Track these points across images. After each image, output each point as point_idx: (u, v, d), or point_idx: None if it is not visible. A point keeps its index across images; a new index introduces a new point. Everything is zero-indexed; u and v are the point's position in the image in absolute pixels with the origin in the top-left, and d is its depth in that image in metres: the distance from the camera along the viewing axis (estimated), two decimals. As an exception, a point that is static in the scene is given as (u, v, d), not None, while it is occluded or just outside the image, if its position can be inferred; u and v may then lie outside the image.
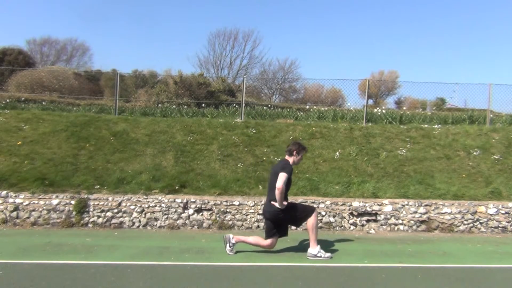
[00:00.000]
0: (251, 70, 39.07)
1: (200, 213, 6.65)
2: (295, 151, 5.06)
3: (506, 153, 8.50)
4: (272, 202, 4.89)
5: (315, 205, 6.72)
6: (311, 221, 5.01)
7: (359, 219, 6.78)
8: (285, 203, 4.89)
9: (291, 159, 5.06)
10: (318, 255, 4.98)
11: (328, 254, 5.03)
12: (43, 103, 13.86)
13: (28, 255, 4.83)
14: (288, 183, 4.92)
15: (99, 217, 6.55)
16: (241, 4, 70.82)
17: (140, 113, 11.17)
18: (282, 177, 4.75)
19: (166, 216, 6.60)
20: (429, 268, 4.77)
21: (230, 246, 5.06)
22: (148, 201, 6.62)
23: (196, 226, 6.63)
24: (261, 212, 6.63)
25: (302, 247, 5.56)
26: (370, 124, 10.13)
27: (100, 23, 69.06)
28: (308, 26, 72.71)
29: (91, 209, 6.55)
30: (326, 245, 5.71)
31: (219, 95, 19.88)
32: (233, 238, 5.11)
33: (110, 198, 6.61)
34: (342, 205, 6.78)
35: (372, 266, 4.80)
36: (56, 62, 39.09)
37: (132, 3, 70.16)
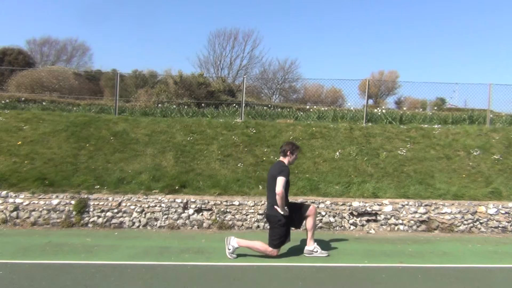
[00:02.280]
0: (251, 70, 39.11)
1: (200, 213, 6.65)
2: (289, 151, 5.03)
3: (506, 153, 8.49)
4: (275, 207, 4.86)
5: (315, 205, 6.72)
6: (310, 221, 5.07)
7: (359, 219, 6.78)
8: (286, 209, 4.88)
9: (286, 160, 5.03)
10: (315, 250, 5.07)
11: (324, 252, 5.13)
12: (43, 103, 13.87)
13: (28, 255, 4.83)
14: (287, 185, 4.90)
15: (99, 217, 6.55)
16: (241, 4, 70.91)
17: (140, 113, 11.17)
18: (280, 181, 4.72)
19: (166, 216, 6.60)
20: (429, 268, 4.77)
21: (229, 249, 4.93)
22: (148, 201, 6.62)
23: (196, 226, 6.63)
24: (261, 212, 6.63)
25: (302, 247, 5.55)
26: (370, 124, 10.13)
27: (100, 23, 69.13)
28: (308, 26, 72.78)
29: (91, 209, 6.55)
30: (326, 245, 5.72)
31: (219, 95, 19.90)
32: (236, 241, 4.95)
33: (110, 198, 6.61)
34: (342, 205, 6.78)
35: (372, 266, 4.81)
36: (56, 62, 39.12)
37: (132, 3, 70.23)
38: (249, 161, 7.90)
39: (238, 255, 5.00)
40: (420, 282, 4.26)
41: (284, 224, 4.93)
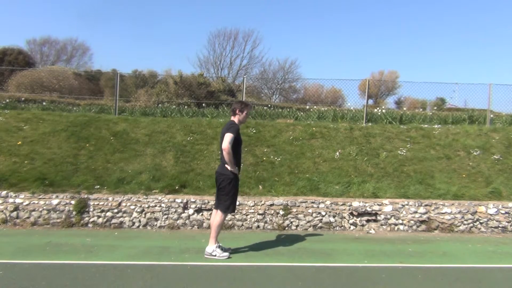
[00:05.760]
0: (251, 70, 39.16)
1: (200, 213, 6.65)
2: (237, 110, 4.94)
3: (506, 153, 8.49)
4: (225, 166, 4.79)
5: (315, 205, 6.73)
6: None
7: (359, 219, 6.78)
8: (236, 168, 4.81)
9: (236, 119, 4.96)
10: (213, 254, 4.84)
11: (225, 254, 4.87)
12: (43, 103, 13.83)
13: (28, 255, 4.83)
14: (236, 144, 4.82)
15: (99, 217, 6.55)
16: (241, 4, 70.91)
17: (140, 113, 11.17)
18: (227, 137, 4.66)
19: (166, 216, 6.60)
20: (429, 268, 4.77)
21: (214, 256, 4.83)
22: (148, 201, 6.62)
23: (196, 226, 6.63)
24: (261, 212, 6.64)
25: (302, 247, 5.56)
26: (370, 124, 10.13)
27: (100, 23, 69.12)
28: (308, 26, 72.79)
29: (91, 209, 6.55)
30: (326, 245, 5.72)
31: (219, 95, 19.87)
32: (210, 247, 4.87)
33: (110, 198, 6.60)
34: (342, 205, 6.78)
35: (372, 266, 4.81)
36: (56, 62, 39.14)
37: (132, 3, 70.23)
38: (249, 161, 7.90)
39: (237, 255, 5.00)
40: (420, 282, 4.26)
41: (232, 183, 4.81)
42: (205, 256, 4.87)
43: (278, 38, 68.39)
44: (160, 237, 6.07)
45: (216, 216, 4.92)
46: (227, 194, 4.84)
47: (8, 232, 6.12)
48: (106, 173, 7.19)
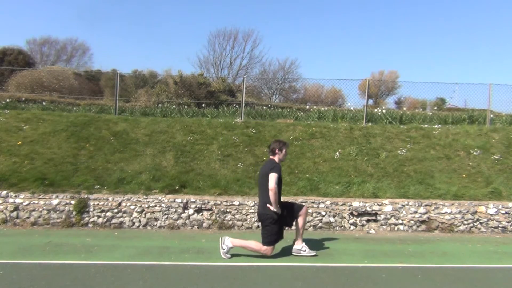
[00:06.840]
0: (251, 70, 39.15)
1: (200, 213, 6.65)
2: (277, 149, 5.07)
3: (506, 153, 8.49)
4: (267, 205, 4.85)
5: (315, 205, 6.73)
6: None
7: (359, 219, 6.78)
8: (279, 206, 4.88)
9: (276, 158, 5.07)
10: (303, 249, 5.09)
11: (312, 251, 5.14)
12: (43, 103, 13.86)
13: (28, 255, 4.83)
14: (279, 183, 4.90)
15: (99, 217, 6.55)
16: (241, 4, 70.93)
17: (140, 113, 11.18)
18: (272, 177, 4.74)
19: (166, 216, 6.60)
20: (429, 268, 4.77)
21: (223, 249, 4.94)
22: (148, 201, 6.62)
23: (196, 226, 6.63)
24: (261, 212, 6.63)
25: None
26: (370, 124, 10.13)
27: (100, 23, 69.14)
28: (308, 26, 72.81)
29: (91, 209, 6.55)
30: (326, 245, 5.72)
31: (219, 95, 19.90)
32: (230, 241, 4.96)
33: (110, 198, 6.60)
34: (342, 205, 6.78)
35: (372, 266, 4.81)
36: (56, 62, 39.13)
37: (132, 3, 70.25)
38: (249, 161, 7.90)
39: (237, 255, 5.01)
40: (420, 282, 4.26)
41: (276, 222, 4.90)
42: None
43: (278, 38, 68.44)
44: (160, 237, 6.07)
45: (257, 244, 4.97)
46: (271, 232, 4.93)
47: (8, 232, 6.12)
48: (106, 173, 7.19)
